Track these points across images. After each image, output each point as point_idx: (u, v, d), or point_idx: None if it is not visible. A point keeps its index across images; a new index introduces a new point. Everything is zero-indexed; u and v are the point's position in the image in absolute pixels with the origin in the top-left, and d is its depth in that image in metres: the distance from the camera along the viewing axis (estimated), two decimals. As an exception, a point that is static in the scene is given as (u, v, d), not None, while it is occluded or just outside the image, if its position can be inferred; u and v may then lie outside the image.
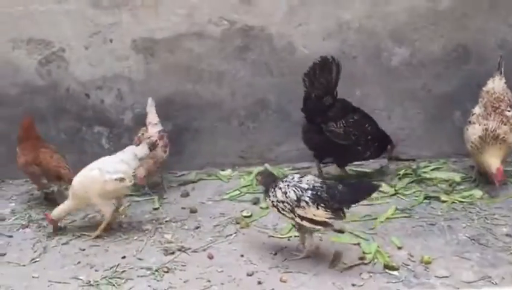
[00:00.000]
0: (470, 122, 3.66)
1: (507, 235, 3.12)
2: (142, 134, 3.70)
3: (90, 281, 2.82)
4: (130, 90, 4.05)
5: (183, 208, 3.59)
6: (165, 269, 2.89)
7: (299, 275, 2.82)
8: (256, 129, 4.14)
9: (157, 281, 2.82)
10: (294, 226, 3.01)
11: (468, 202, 3.50)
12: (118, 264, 2.94)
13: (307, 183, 2.85)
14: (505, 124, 3.55)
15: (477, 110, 3.68)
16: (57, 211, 3.23)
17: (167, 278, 2.84)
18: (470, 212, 3.39)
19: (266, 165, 4.02)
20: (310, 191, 2.81)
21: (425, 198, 3.57)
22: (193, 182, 3.96)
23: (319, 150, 3.81)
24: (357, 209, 3.47)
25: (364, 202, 3.52)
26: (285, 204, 2.83)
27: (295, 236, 3.17)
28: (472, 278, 2.75)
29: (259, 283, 2.78)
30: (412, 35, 3.97)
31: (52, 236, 3.26)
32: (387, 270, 2.83)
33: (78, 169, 3.42)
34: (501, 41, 3.97)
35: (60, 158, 3.56)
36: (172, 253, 3.04)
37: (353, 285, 2.73)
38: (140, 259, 3.00)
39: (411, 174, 3.91)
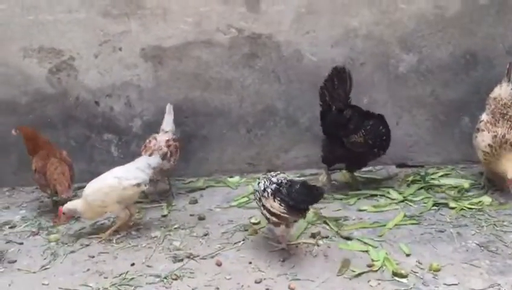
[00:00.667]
0: (478, 129, 3.65)
1: (516, 242, 3.11)
2: (149, 141, 3.72)
3: (99, 289, 2.83)
4: (139, 98, 4.08)
5: (191, 215, 3.61)
6: (174, 277, 2.90)
7: (307, 283, 2.82)
8: (264, 136, 4.16)
9: (166, 288, 2.83)
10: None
11: (477, 208, 3.49)
12: (127, 272, 2.95)
13: (277, 178, 3.02)
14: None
15: (484, 117, 3.67)
16: (69, 206, 3.29)
17: (176, 285, 2.85)
18: (479, 219, 3.37)
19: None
20: (274, 185, 2.98)
21: (433, 205, 3.56)
22: (201, 189, 3.99)
23: (338, 161, 3.79)
24: (366, 216, 3.49)
25: (373, 209, 3.57)
26: (256, 193, 3.09)
27: (304, 243, 3.18)
28: (481, 285, 2.74)
29: (268, 290, 2.78)
30: (419, 42, 3.98)
31: (60, 243, 3.28)
32: (395, 278, 2.82)
33: (87, 176, 3.46)
34: (509, 47, 3.97)
35: (62, 171, 3.53)
36: (181, 260, 3.05)
37: (362, 293, 2.73)
38: (149, 266, 3.01)
39: (419, 180, 3.90)
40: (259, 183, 3.09)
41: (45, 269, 3.05)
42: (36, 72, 4.02)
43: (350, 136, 3.66)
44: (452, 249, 3.07)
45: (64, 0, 3.90)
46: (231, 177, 4.14)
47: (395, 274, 2.84)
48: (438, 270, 2.86)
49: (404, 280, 2.80)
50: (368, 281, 2.81)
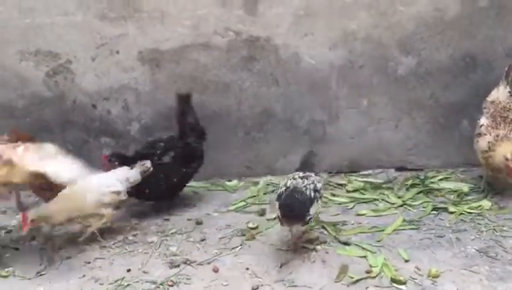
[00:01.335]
0: (480, 134, 3.61)
1: (516, 247, 3.08)
2: None
3: (95, 295, 2.82)
4: (137, 101, 4.06)
5: (188, 219, 3.58)
6: (170, 283, 2.88)
7: (304, 289, 2.79)
8: (262, 139, 4.13)
9: (162, 294, 2.81)
10: None
11: (477, 213, 3.46)
12: (123, 278, 2.93)
13: (291, 181, 3.05)
14: None
15: (484, 121, 3.63)
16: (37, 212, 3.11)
17: (172, 291, 2.83)
18: (479, 223, 3.34)
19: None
20: (283, 188, 3.04)
21: (433, 209, 3.53)
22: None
23: None
24: (364, 221, 3.46)
25: (372, 213, 3.55)
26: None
27: (302, 247, 3.15)
28: (481, 292, 2.71)
29: (264, 297, 2.76)
30: (418, 44, 3.95)
31: (55, 250, 3.25)
32: (394, 284, 2.79)
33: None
34: (509, 50, 3.93)
35: None
36: (178, 266, 3.03)
37: (359, 299, 2.70)
38: (145, 272, 2.99)
39: (419, 184, 3.87)
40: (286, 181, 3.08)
41: (41, 275, 3.03)
42: (33, 75, 4.00)
43: None
44: (451, 254, 3.04)
45: (61, 3, 3.88)
46: (229, 180, 4.11)
47: (393, 281, 2.81)
48: (437, 276, 2.83)
49: (402, 287, 2.77)
50: (366, 288, 2.78)
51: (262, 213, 3.60)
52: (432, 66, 3.98)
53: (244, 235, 3.34)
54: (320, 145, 4.07)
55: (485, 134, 3.57)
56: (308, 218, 2.97)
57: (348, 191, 3.85)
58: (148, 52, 3.98)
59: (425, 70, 3.99)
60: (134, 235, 3.36)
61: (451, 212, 3.47)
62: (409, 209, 3.56)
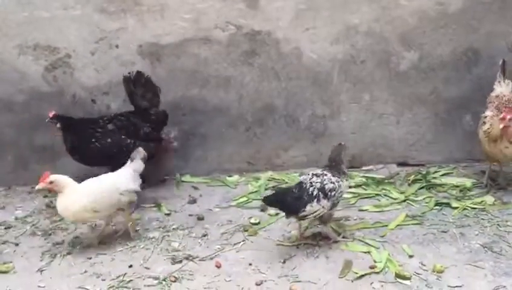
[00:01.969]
0: (484, 123, 3.59)
1: (520, 242, 3.07)
2: None
3: (96, 291, 2.79)
4: (136, 95, 4.01)
5: (190, 215, 3.55)
6: (173, 279, 2.85)
7: (309, 285, 2.78)
8: (263, 134, 4.10)
9: (165, 290, 2.78)
10: None
11: (480, 208, 3.45)
12: (125, 274, 2.90)
13: (305, 175, 3.16)
14: None
15: (488, 113, 3.62)
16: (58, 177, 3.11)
17: (174, 287, 2.80)
18: (482, 219, 3.33)
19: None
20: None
21: (436, 204, 3.52)
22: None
23: None
24: (367, 216, 3.44)
25: (374, 208, 3.53)
26: None
27: (304, 244, 3.14)
28: (485, 287, 2.70)
29: (269, 292, 2.74)
30: (420, 39, 3.92)
31: (57, 245, 3.22)
32: (398, 280, 2.78)
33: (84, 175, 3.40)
34: (511, 44, 3.91)
35: None
36: (180, 262, 3.01)
37: (364, 295, 2.69)
38: (147, 268, 2.96)
39: (421, 180, 3.86)
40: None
41: (42, 271, 3.00)
42: (32, 70, 3.94)
43: None
44: (455, 250, 3.03)
45: (60, -4, 3.84)
46: (230, 176, 4.08)
47: (398, 276, 2.80)
48: (442, 271, 2.82)
49: (407, 282, 2.76)
50: (371, 283, 2.77)
51: (264, 208, 3.57)
52: (434, 61, 3.96)
53: (246, 230, 3.32)
54: (322, 141, 4.04)
55: (489, 122, 3.55)
56: (303, 214, 2.95)
57: (350, 187, 3.81)
58: (148, 46, 3.94)
59: (428, 65, 3.97)
60: (135, 231, 3.32)
61: (454, 208, 3.46)
62: (412, 205, 3.55)
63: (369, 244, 3.09)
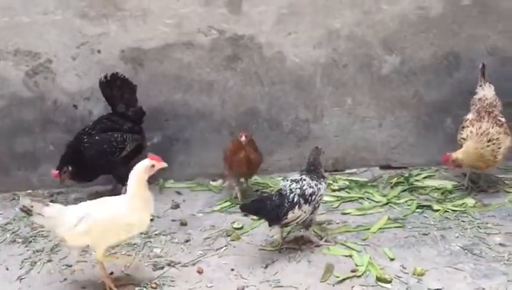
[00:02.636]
0: (463, 127, 3.65)
1: (500, 244, 3.10)
2: None
3: (77, 299, 2.76)
4: (119, 101, 3.99)
5: (173, 220, 3.54)
6: (154, 285, 2.84)
7: (290, 289, 2.77)
8: (247, 139, 4.09)
9: (146, 297, 2.77)
10: None
11: (461, 210, 3.47)
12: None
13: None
14: (499, 127, 3.54)
15: (470, 116, 3.67)
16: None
17: (156, 294, 2.79)
18: (463, 221, 3.36)
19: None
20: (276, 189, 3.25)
21: (417, 207, 3.54)
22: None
23: None
24: (349, 220, 3.45)
25: (356, 212, 3.54)
26: None
27: (287, 248, 3.14)
28: (465, 290, 2.72)
29: (250, 298, 2.74)
30: (402, 43, 3.95)
31: (38, 252, 3.19)
32: (379, 283, 2.79)
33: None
34: (491, 48, 3.96)
35: None
36: (162, 268, 2.99)
37: (345, 299, 2.69)
38: (128, 275, 2.94)
39: (403, 182, 3.88)
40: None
41: (22, 279, 2.96)
42: (12, 75, 3.90)
43: None
44: (436, 252, 3.05)
45: (40, 1, 3.79)
46: (214, 180, 4.07)
47: (379, 279, 2.81)
48: (422, 274, 2.84)
49: (388, 286, 2.78)
50: (352, 287, 2.78)
51: (247, 213, 3.56)
52: (416, 65, 3.99)
53: (229, 235, 3.31)
54: (305, 144, 4.05)
55: (468, 126, 3.60)
56: (285, 221, 2.96)
57: (333, 190, 3.84)
58: (130, 51, 3.92)
59: (409, 68, 4.00)
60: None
61: (436, 210, 3.49)
62: (394, 208, 3.57)
63: (351, 248, 3.10)
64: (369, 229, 3.31)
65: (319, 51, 3.97)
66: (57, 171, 3.63)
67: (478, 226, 3.28)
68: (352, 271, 2.89)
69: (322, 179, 3.13)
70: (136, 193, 2.67)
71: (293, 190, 3.00)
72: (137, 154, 3.82)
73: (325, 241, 3.19)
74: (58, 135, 4.01)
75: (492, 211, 3.45)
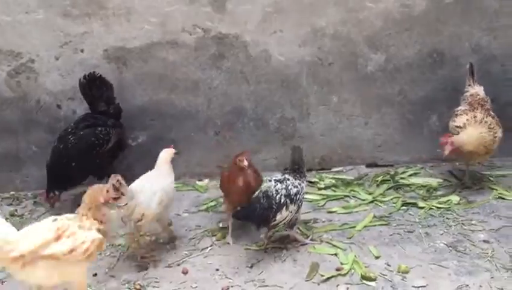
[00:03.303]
0: (456, 115, 3.62)
1: (484, 241, 3.11)
2: None
3: (59, 302, 2.72)
4: (103, 100, 3.96)
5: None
6: (138, 286, 2.82)
7: (275, 289, 2.76)
8: (232, 138, 4.08)
9: (129, 298, 2.75)
10: None
11: (446, 207, 3.49)
12: (89, 283, 2.84)
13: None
14: (492, 118, 3.55)
15: (462, 107, 3.67)
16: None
17: (140, 295, 2.77)
18: (448, 218, 3.37)
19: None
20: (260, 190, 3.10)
21: (402, 205, 3.55)
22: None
23: None
24: (335, 218, 3.45)
25: (342, 210, 3.54)
26: None
27: (272, 247, 3.13)
28: (449, 287, 2.73)
29: (235, 298, 2.73)
30: (387, 41, 3.95)
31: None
32: (364, 281, 2.79)
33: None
34: (475, 45, 3.97)
35: None
36: (146, 269, 2.96)
37: (330, 297, 2.69)
38: (112, 276, 2.92)
39: (389, 180, 3.89)
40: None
41: (3, 282, 2.92)
42: (-6, 75, 3.87)
43: None
44: (421, 249, 3.05)
45: (22, 0, 3.75)
46: (200, 180, 4.05)
47: (363, 277, 2.82)
48: (407, 272, 2.85)
49: (373, 283, 2.78)
50: (337, 286, 2.78)
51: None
52: (400, 63, 4.00)
53: (214, 235, 3.30)
54: (291, 143, 4.01)
55: (461, 114, 3.59)
56: (274, 223, 2.96)
57: (320, 189, 3.84)
58: (114, 50, 3.89)
59: (394, 66, 4.00)
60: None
61: (421, 208, 3.50)
62: (380, 206, 3.58)
63: (336, 246, 3.11)
64: (354, 227, 3.32)
65: (305, 49, 3.96)
66: (45, 195, 3.59)
67: (462, 223, 3.30)
68: (337, 269, 2.90)
69: (304, 178, 3.13)
70: (170, 170, 3.16)
71: (279, 191, 2.99)
72: (120, 151, 3.81)
73: (311, 239, 3.19)
74: (41, 136, 3.97)
75: (476, 207, 3.47)
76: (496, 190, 3.64)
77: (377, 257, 3.00)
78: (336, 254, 3.03)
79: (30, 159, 3.94)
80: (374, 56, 3.99)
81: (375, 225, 3.33)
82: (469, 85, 3.76)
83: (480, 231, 3.21)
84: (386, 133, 4.12)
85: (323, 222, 3.42)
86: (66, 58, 3.87)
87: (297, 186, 3.03)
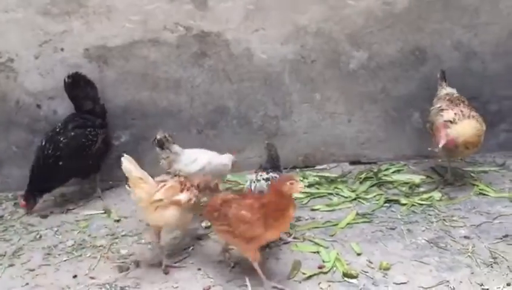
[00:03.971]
0: (442, 110, 3.61)
1: (465, 237, 3.13)
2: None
3: (38, 304, 2.70)
4: (84, 100, 3.91)
5: (140, 220, 3.48)
6: (118, 288, 2.79)
7: (257, 289, 2.75)
8: (216, 137, 4.07)
9: (110, 299, 2.72)
10: None
11: (428, 204, 3.50)
12: (68, 285, 2.81)
13: (256, 182, 3.12)
14: (475, 112, 3.56)
15: (442, 103, 3.67)
16: None
17: (120, 296, 2.74)
18: (429, 214, 3.39)
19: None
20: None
21: (385, 202, 3.56)
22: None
23: None
24: (318, 216, 3.45)
25: (325, 208, 3.54)
26: None
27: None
28: (430, 283, 2.74)
29: (216, 297, 2.71)
30: (369, 38, 3.96)
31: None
32: (346, 279, 2.79)
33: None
34: (457, 42, 3.99)
35: None
36: (127, 269, 2.94)
37: (312, 295, 2.68)
38: (92, 278, 2.89)
39: (372, 177, 3.90)
40: None
41: (-18, 284, 2.88)
42: (-28, 75, 3.81)
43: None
44: (402, 246, 3.06)
45: (0, -1, 3.71)
46: (183, 179, 4.03)
47: (345, 275, 2.82)
48: (388, 269, 2.85)
49: (354, 281, 2.78)
50: (319, 284, 2.77)
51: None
52: (383, 60, 4.01)
53: (196, 235, 3.27)
54: (275, 141, 3.98)
55: (446, 109, 3.59)
56: None
57: (303, 187, 3.83)
58: (95, 49, 3.85)
59: (376, 64, 4.01)
60: (82, 239, 3.24)
61: (403, 204, 3.51)
62: (362, 203, 3.58)
63: (319, 244, 3.10)
64: (337, 224, 3.32)
65: (287, 47, 3.95)
66: (24, 202, 3.55)
67: (444, 219, 3.31)
68: (320, 267, 2.89)
69: (281, 173, 3.13)
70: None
71: None
72: (106, 150, 3.81)
73: (294, 237, 3.18)
74: (21, 136, 3.93)
75: (458, 204, 3.49)
76: (477, 186, 3.67)
77: (358, 254, 3.00)
78: (318, 252, 3.03)
79: (10, 159, 3.89)
80: (356, 54, 3.99)
81: (357, 223, 3.33)
82: (442, 87, 3.79)
83: (461, 227, 3.23)
84: (369, 131, 4.13)
85: (306, 219, 3.42)
86: (45, 57, 3.83)
87: None
